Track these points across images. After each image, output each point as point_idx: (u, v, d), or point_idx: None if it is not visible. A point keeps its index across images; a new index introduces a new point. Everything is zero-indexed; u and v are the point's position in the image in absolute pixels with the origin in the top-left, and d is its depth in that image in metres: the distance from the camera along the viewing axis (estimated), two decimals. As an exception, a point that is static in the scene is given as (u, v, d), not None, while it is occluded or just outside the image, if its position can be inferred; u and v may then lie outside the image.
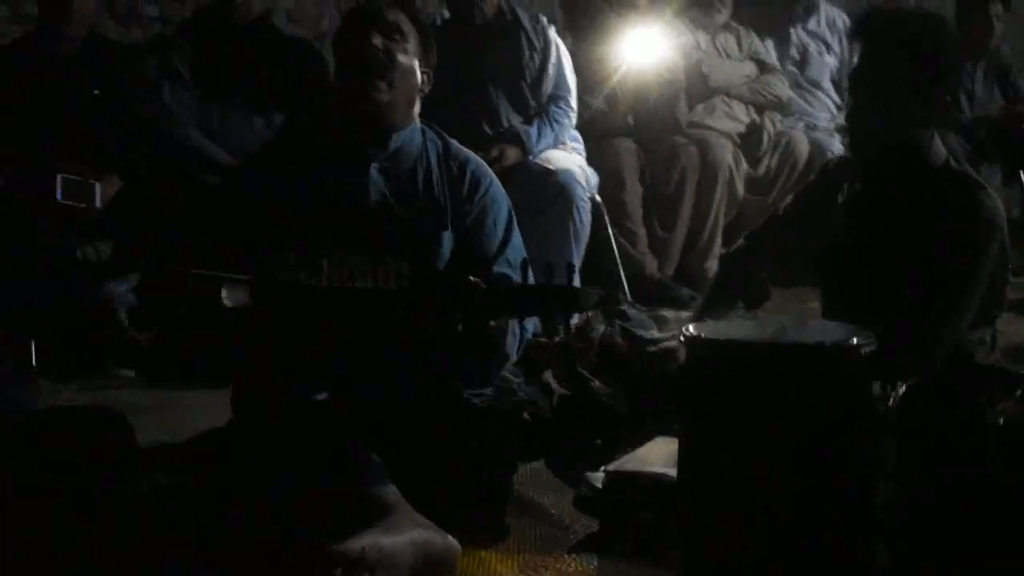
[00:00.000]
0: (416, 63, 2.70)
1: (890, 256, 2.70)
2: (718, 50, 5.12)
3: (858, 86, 2.71)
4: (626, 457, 2.63)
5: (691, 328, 1.92)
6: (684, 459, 1.92)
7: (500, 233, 2.73)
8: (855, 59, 2.77)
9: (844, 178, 2.85)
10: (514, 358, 2.74)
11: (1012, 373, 2.10)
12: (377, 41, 2.63)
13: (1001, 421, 1.75)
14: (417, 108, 2.75)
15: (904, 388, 1.97)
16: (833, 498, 1.84)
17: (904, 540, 2.01)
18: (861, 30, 2.78)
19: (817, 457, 1.81)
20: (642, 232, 4.76)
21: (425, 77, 2.73)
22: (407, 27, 2.69)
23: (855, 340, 1.84)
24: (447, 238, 2.68)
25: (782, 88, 5.16)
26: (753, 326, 2.07)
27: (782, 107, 5.18)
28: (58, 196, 3.71)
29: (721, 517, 1.88)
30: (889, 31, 2.70)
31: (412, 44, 2.69)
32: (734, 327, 2.10)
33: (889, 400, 1.94)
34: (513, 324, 2.59)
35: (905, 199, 2.71)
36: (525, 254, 2.71)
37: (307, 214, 2.63)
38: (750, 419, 1.80)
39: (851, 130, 2.82)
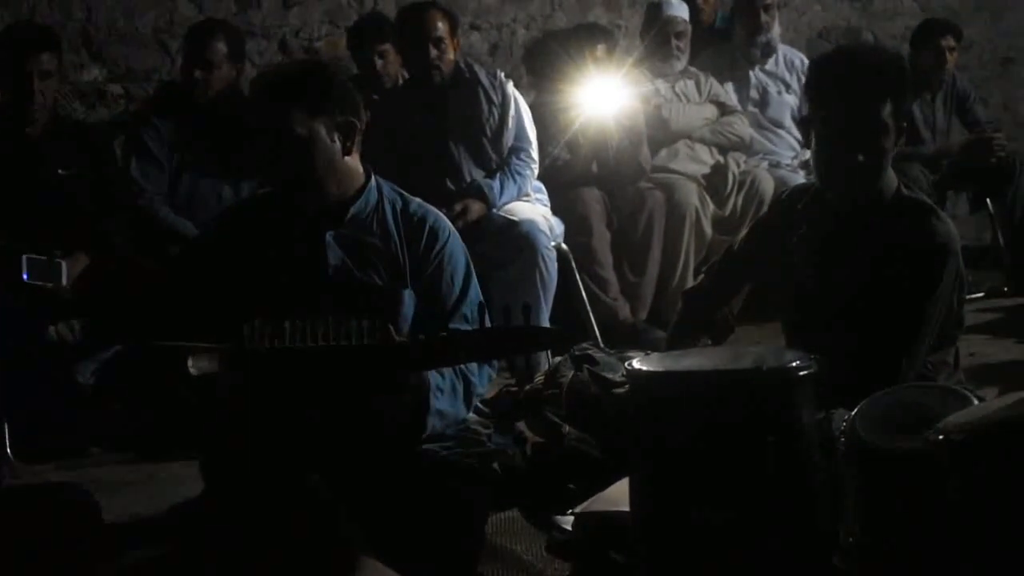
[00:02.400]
0: (318, 126, 2.60)
1: (849, 285, 2.72)
2: (678, 95, 5.18)
3: (835, 128, 2.68)
4: (595, 499, 2.63)
5: (634, 363, 1.93)
6: (633, 492, 1.93)
7: (457, 288, 2.72)
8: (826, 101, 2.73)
9: (798, 210, 2.87)
10: (463, 414, 2.70)
11: (960, 393, 2.11)
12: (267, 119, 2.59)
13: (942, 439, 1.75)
14: (356, 166, 2.70)
15: (852, 412, 1.97)
16: (779, 527, 1.83)
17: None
18: (829, 74, 2.78)
19: (760, 484, 1.80)
20: (613, 278, 4.78)
21: (341, 137, 2.63)
22: (292, 94, 2.58)
23: (793, 363, 1.84)
24: (408, 296, 2.68)
25: (743, 128, 5.21)
26: (700, 357, 2.08)
27: (745, 147, 5.23)
28: (24, 277, 3.70)
29: (672, 554, 1.87)
30: (858, 71, 2.70)
31: (302, 109, 2.57)
32: (679, 359, 2.11)
33: (833, 424, 1.94)
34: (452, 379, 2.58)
35: (860, 228, 2.73)
36: (481, 298, 2.71)
37: (269, 282, 2.63)
38: (692, 448, 1.81)
39: (828, 171, 2.74)
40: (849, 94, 2.67)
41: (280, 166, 2.62)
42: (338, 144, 2.64)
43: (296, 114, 2.58)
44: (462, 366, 2.60)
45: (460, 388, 2.61)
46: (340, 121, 2.64)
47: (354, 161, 2.71)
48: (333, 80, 2.70)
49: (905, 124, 2.75)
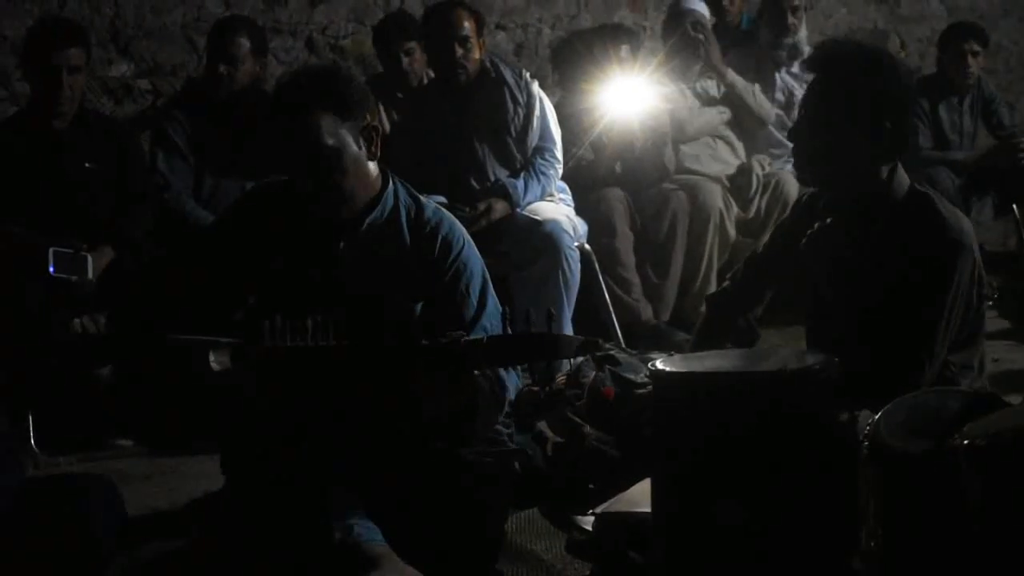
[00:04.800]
0: (345, 135, 2.56)
1: (864, 286, 2.71)
2: (698, 94, 5.16)
3: (803, 116, 2.72)
4: (616, 499, 2.62)
5: (657, 363, 1.93)
6: (655, 494, 1.92)
7: (475, 299, 2.67)
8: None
9: (816, 213, 2.86)
10: (497, 418, 2.70)
11: (984, 398, 2.09)
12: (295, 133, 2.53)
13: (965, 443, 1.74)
14: (376, 170, 2.67)
15: (877, 415, 1.96)
16: (800, 529, 1.83)
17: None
18: (810, 64, 2.81)
19: (781, 487, 1.80)
20: (636, 279, 4.78)
21: (366, 143, 2.61)
22: (317, 104, 2.53)
23: (815, 365, 1.84)
24: (418, 309, 2.64)
25: (763, 99, 5.23)
26: (723, 358, 2.08)
27: (767, 117, 5.25)
28: (50, 270, 3.72)
29: (692, 555, 1.86)
30: (829, 64, 2.70)
31: (329, 118, 2.54)
32: (702, 360, 2.10)
33: (857, 426, 1.93)
34: (494, 384, 2.57)
35: (872, 230, 2.71)
36: (502, 308, 2.68)
37: (282, 283, 2.62)
38: (715, 449, 1.80)
39: (795, 158, 2.83)
40: (816, 80, 2.70)
41: (310, 177, 2.56)
42: (364, 150, 2.62)
43: (325, 125, 2.53)
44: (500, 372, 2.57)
45: (501, 395, 2.58)
46: (364, 126, 2.61)
47: (374, 166, 2.67)
48: (352, 84, 2.66)
49: (896, 119, 2.68)
